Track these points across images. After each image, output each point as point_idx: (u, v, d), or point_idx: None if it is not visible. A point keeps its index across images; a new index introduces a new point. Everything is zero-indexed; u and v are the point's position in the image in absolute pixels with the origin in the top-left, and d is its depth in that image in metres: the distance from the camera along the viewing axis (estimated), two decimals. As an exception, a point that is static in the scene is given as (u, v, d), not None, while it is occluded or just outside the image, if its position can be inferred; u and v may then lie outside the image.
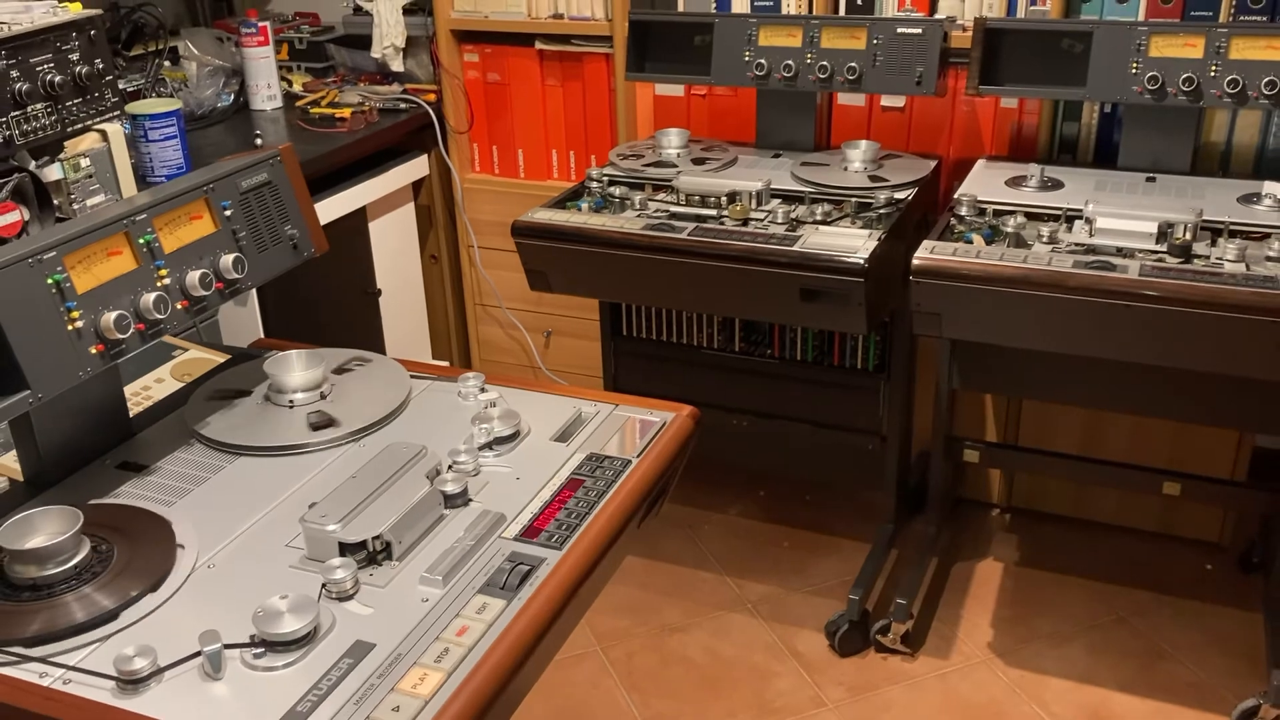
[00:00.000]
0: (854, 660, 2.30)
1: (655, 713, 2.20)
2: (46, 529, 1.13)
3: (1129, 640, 2.33)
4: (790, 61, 2.29)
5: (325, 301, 2.68)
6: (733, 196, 2.14)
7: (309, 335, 2.67)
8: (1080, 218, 1.97)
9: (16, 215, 1.86)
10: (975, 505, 2.77)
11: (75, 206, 1.99)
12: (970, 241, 1.98)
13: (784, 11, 2.51)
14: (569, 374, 2.99)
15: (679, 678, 2.28)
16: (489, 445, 1.35)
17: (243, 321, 2.45)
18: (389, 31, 2.88)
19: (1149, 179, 2.18)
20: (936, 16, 2.36)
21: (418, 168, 2.91)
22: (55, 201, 1.95)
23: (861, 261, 1.93)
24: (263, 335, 2.47)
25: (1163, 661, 2.27)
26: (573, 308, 2.86)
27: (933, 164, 2.34)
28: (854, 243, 1.98)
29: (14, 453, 1.35)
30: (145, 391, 1.66)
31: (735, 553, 2.64)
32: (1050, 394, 2.35)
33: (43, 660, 1.03)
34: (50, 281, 1.18)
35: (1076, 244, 1.91)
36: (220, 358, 1.70)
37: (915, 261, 1.89)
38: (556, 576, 1.14)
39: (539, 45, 2.75)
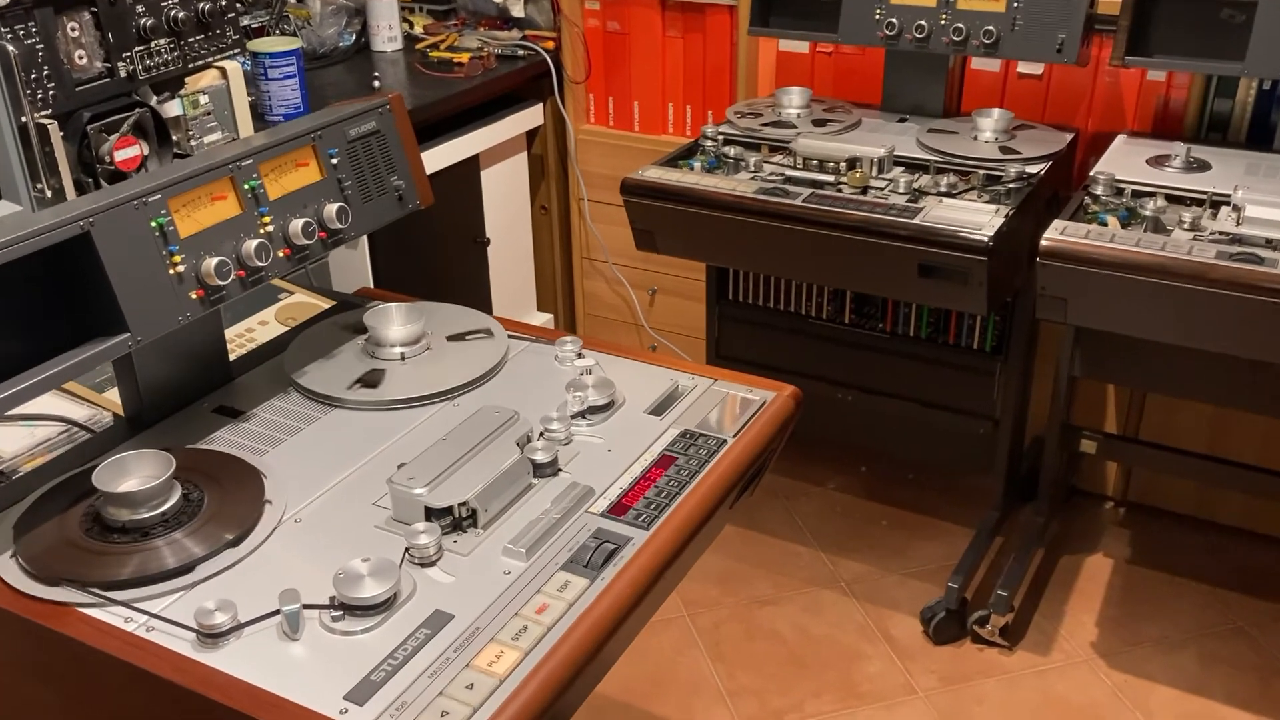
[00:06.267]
0: (948, 649, 2.23)
1: (739, 685, 2.16)
2: (140, 472, 1.14)
3: (1246, 653, 2.20)
4: (923, 22, 2.18)
5: (434, 248, 2.68)
6: (853, 162, 2.06)
7: (416, 280, 2.68)
8: (1227, 204, 1.84)
9: (136, 150, 1.88)
10: (1087, 497, 2.65)
11: (193, 143, 2.01)
12: (1104, 223, 1.86)
13: (920, -32, 2.39)
14: (671, 333, 2.95)
15: (765, 652, 2.24)
16: (582, 414, 1.31)
17: (352, 263, 2.46)
18: (511, -24, 2.84)
19: (1308, 164, 2.02)
20: (1085, -21, 2.21)
21: (532, 116, 2.87)
22: (174, 138, 1.97)
23: (986, 239, 1.83)
24: (371, 277, 2.48)
25: (1281, 678, 2.15)
26: (679, 267, 2.80)
27: (1069, 137, 2.21)
28: (979, 218, 1.88)
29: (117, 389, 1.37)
30: (249, 334, 1.67)
31: (832, 528, 2.58)
32: (1178, 389, 2.21)
33: (127, 605, 1.04)
34: (154, 225, 1.18)
35: (1221, 233, 1.78)
36: (324, 304, 1.70)
37: (1044, 242, 1.79)
38: (641, 558, 1.10)
39: (662, -5, 2.68)
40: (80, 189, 1.82)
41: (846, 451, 2.82)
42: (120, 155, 1.85)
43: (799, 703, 2.12)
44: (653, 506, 1.17)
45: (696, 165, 2.16)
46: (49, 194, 1.79)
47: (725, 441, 1.28)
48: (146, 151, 1.90)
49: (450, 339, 1.47)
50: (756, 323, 2.48)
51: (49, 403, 1.46)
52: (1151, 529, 2.55)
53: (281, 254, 1.31)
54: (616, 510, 1.16)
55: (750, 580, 2.43)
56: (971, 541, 2.37)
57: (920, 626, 2.28)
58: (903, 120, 2.32)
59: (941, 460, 2.54)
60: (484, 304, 2.86)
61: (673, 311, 2.93)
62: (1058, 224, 1.82)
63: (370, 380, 1.38)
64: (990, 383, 2.27)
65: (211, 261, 1.22)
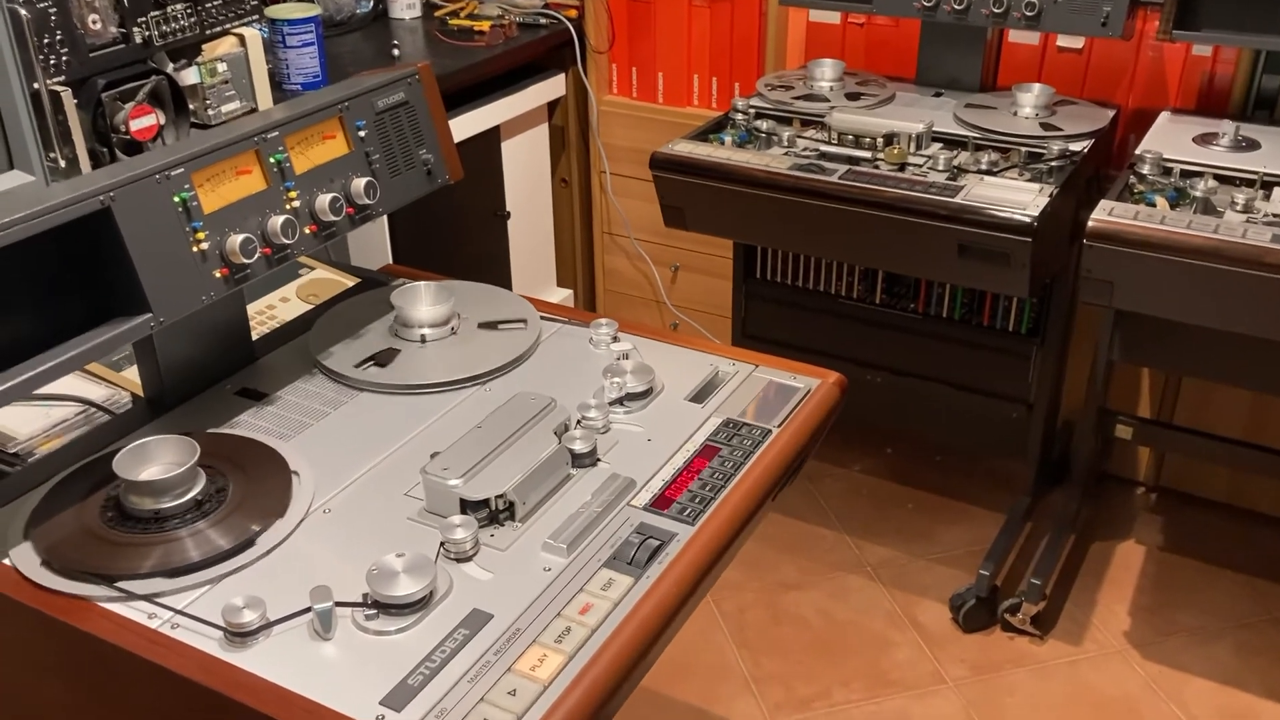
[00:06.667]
0: (978, 637, 2.19)
1: (765, 672, 2.12)
2: (163, 459, 1.09)
3: (1282, 644, 2.16)
4: (963, -7, 2.11)
5: (454, 221, 2.62)
6: (890, 138, 1.99)
7: (437, 254, 2.62)
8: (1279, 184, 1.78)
9: (152, 119, 1.82)
10: (1118, 482, 2.60)
11: (210, 112, 1.95)
12: (1153, 204, 1.80)
13: (958, -63, 2.31)
14: (694, 311, 2.89)
15: (791, 638, 2.20)
16: (620, 401, 1.26)
17: (371, 237, 2.41)
18: (533, -58, 2.76)
19: (1361, 144, 1.95)
20: (1131, -50, 2.14)
21: (554, 87, 2.80)
22: (191, 106, 1.91)
23: (1030, 219, 1.77)
24: (390, 252, 2.42)
25: (1318, 670, 2.10)
26: (703, 244, 2.74)
27: (1111, 114, 2.14)
28: (1023, 198, 1.82)
29: (136, 367, 1.32)
30: (270, 311, 1.61)
31: (857, 512, 2.53)
32: (1219, 374, 2.15)
33: (150, 600, 0.99)
34: (177, 200, 1.13)
35: (1275, 215, 1.72)
36: (348, 281, 1.65)
37: (1091, 223, 1.73)
38: (687, 555, 1.05)
39: (689, -37, 2.61)
40: (95, 159, 1.76)
41: (872, 433, 2.77)
42: (136, 124, 1.79)
43: (826, 690, 2.08)
44: (697, 500, 1.12)
45: (727, 139, 2.10)
46: (62, 164, 1.73)
47: (770, 431, 1.22)
48: (163, 120, 1.84)
49: (482, 326, 1.41)
50: (784, 302, 2.42)
51: (65, 382, 1.40)
52: (1184, 515, 2.50)
53: (308, 230, 1.25)
54: (659, 503, 1.11)
55: (775, 564, 2.38)
56: (1002, 529, 2.32)
57: (949, 613, 2.23)
58: (938, 94, 2.25)
59: (972, 443, 2.49)
60: (504, 279, 2.80)
61: (695, 289, 2.87)
62: (1105, 204, 1.76)
63: (381, 359, 1.32)
64: (1026, 366, 2.21)
65: (236, 239, 1.17)
